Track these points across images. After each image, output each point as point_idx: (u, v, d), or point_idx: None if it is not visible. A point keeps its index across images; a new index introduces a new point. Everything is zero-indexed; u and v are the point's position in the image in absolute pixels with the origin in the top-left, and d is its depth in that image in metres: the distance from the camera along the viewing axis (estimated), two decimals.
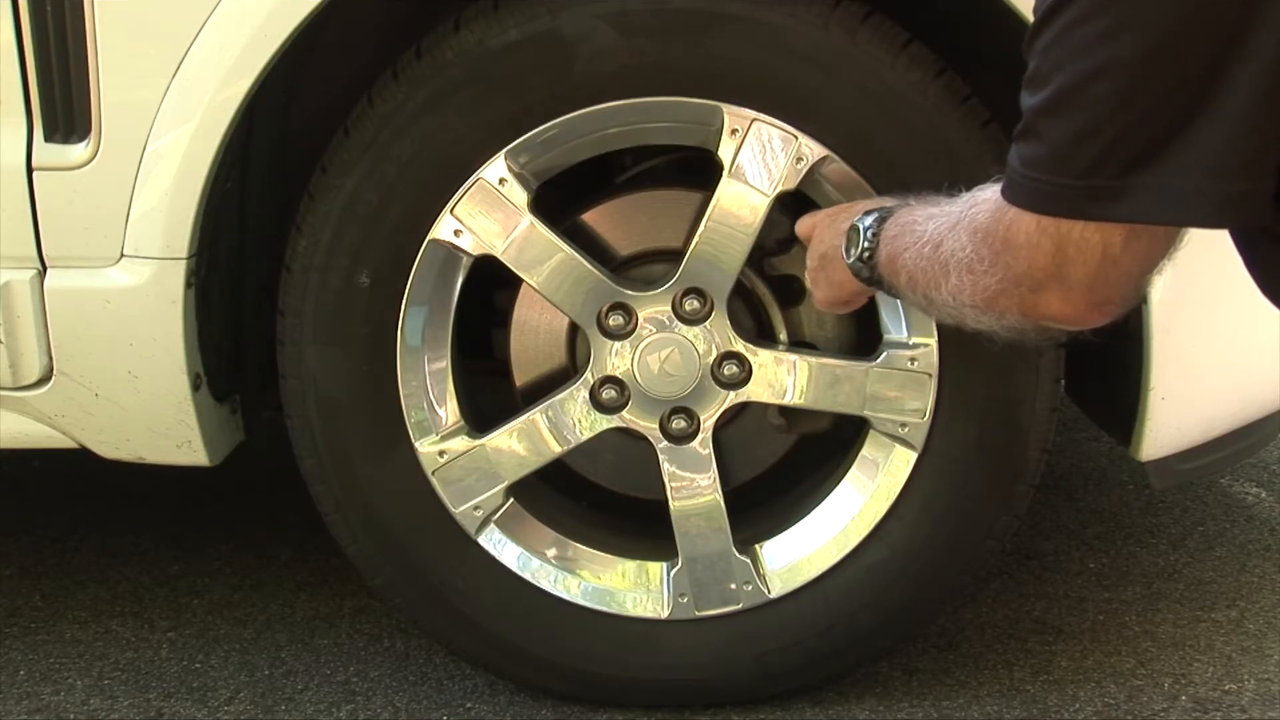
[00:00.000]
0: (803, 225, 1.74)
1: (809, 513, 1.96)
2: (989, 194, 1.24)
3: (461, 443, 1.91)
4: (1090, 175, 1.09)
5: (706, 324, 1.87)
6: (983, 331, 1.33)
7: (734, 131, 1.77)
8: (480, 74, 1.76)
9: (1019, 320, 1.24)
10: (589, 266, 1.85)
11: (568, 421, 1.91)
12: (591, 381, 1.90)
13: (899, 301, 1.73)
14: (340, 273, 1.84)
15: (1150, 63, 1.05)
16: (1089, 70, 1.07)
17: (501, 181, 1.80)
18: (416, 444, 1.90)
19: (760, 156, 1.78)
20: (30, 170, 1.77)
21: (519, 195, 1.81)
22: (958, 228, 1.26)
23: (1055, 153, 1.11)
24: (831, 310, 1.74)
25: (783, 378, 1.89)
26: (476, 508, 1.92)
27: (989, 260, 1.21)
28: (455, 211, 1.81)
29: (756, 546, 1.96)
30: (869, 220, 1.48)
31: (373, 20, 1.92)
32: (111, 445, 1.92)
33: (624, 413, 1.91)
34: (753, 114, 1.76)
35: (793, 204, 1.87)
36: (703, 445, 1.91)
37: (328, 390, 1.88)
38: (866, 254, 1.47)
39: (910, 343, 1.84)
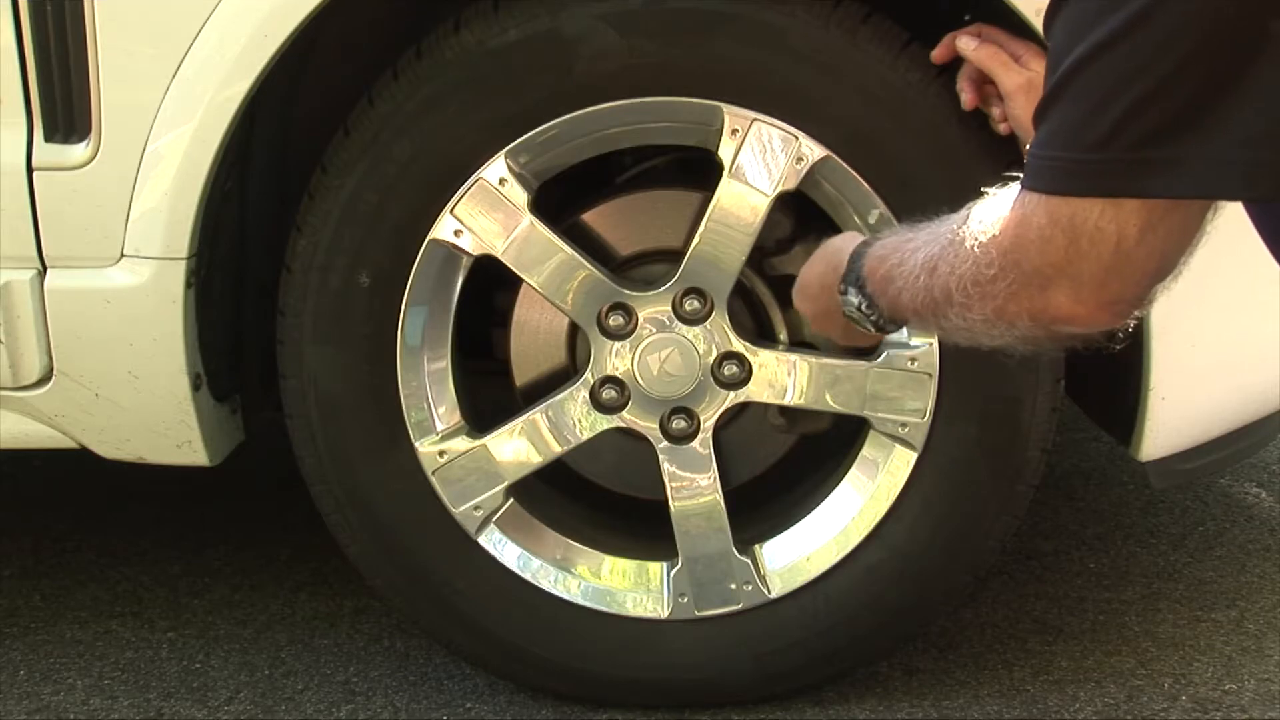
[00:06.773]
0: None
1: (809, 513, 1.96)
2: (987, 204, 1.21)
3: (461, 443, 1.91)
4: (1105, 148, 1.06)
5: (706, 324, 1.87)
6: (1000, 347, 1.28)
7: (734, 131, 1.77)
8: (480, 74, 1.76)
9: (1030, 328, 1.20)
10: (589, 266, 1.85)
11: (568, 421, 1.91)
12: (591, 381, 1.90)
13: None
14: (340, 273, 1.84)
15: (1174, 31, 1.02)
16: (1105, 38, 1.04)
17: (502, 181, 1.80)
18: (416, 444, 1.90)
19: (760, 157, 1.78)
20: (30, 170, 1.77)
21: (519, 195, 1.81)
22: (954, 244, 1.23)
23: (1070, 125, 1.08)
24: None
25: (783, 378, 1.89)
26: (476, 508, 1.92)
27: (997, 264, 1.17)
28: (455, 211, 1.81)
29: (756, 546, 1.96)
30: (852, 296, 1.40)
31: (373, 20, 1.92)
32: (111, 445, 1.92)
33: (624, 413, 1.91)
34: (753, 114, 1.76)
35: (793, 203, 1.88)
36: (703, 445, 1.91)
37: (328, 390, 1.88)
38: (874, 319, 1.40)
39: (910, 343, 1.84)
